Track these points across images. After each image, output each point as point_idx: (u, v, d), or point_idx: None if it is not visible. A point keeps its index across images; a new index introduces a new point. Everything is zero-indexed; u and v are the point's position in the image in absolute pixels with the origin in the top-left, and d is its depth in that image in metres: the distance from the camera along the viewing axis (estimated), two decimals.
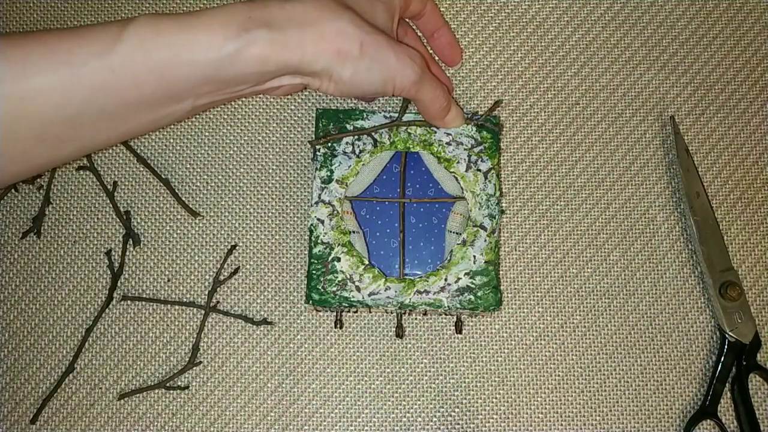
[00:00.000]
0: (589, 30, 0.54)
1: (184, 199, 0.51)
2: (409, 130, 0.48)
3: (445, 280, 0.46)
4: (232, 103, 0.53)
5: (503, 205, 0.52)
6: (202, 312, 0.50)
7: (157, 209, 0.52)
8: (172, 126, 0.53)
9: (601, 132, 0.53)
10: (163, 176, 0.52)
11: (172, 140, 0.53)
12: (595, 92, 0.53)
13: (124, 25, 0.36)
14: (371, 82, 0.40)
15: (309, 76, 0.40)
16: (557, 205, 0.52)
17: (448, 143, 0.48)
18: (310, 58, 0.38)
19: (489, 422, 0.49)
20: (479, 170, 0.47)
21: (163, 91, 0.37)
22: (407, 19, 0.50)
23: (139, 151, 0.52)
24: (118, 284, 0.51)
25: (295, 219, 0.51)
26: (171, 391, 0.49)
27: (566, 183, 0.52)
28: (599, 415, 0.49)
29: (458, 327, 0.49)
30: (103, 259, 0.51)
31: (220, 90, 0.38)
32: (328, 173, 0.47)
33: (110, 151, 0.52)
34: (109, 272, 0.51)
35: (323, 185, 0.47)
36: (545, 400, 0.49)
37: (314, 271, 0.46)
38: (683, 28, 0.54)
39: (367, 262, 0.46)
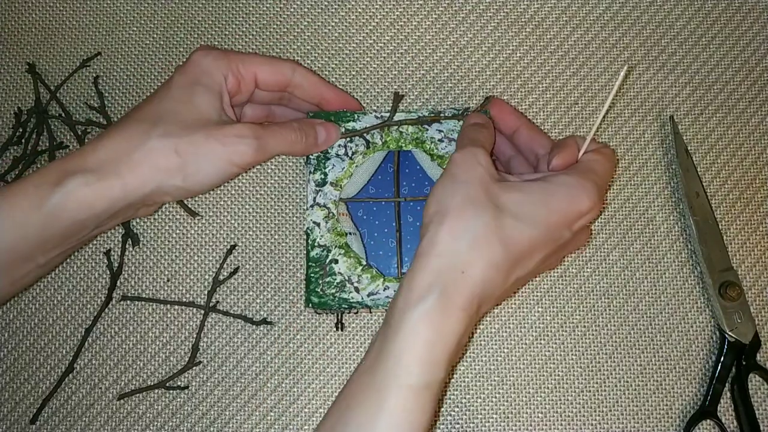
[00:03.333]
0: (588, 29, 0.54)
1: (183, 199, 0.52)
2: (400, 129, 0.48)
3: None
4: None
5: None
6: (202, 312, 0.50)
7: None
8: None
9: (600, 132, 0.53)
10: None
11: None
12: (594, 91, 0.53)
13: None
14: (209, 175, 0.42)
15: (149, 203, 0.42)
16: None
17: (440, 140, 0.48)
18: (134, 187, 0.40)
19: (488, 422, 0.49)
20: None
21: (8, 256, 0.39)
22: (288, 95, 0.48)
23: None
24: (118, 284, 0.51)
25: (295, 218, 0.51)
26: (171, 391, 0.49)
27: None
28: (599, 415, 0.49)
29: None
30: (103, 259, 0.51)
31: (66, 240, 0.41)
32: (322, 176, 0.47)
33: None
34: (108, 272, 0.51)
35: (318, 188, 0.47)
36: (545, 400, 0.49)
37: (312, 275, 0.46)
38: (682, 27, 0.54)
39: (364, 263, 0.46)
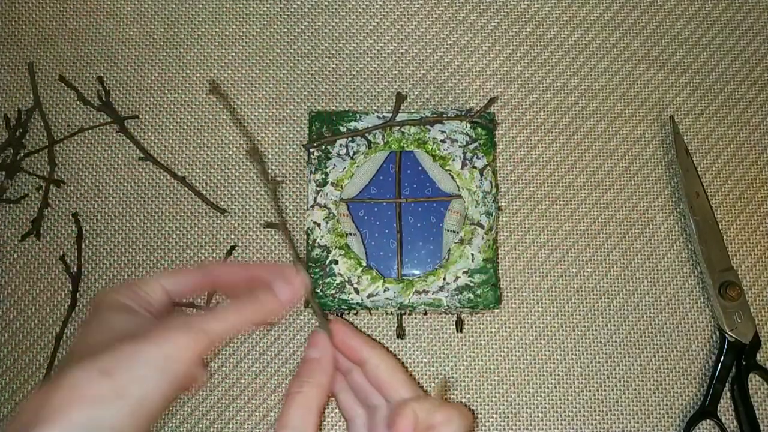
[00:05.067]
0: (588, 29, 0.54)
1: (183, 199, 0.51)
2: (402, 130, 0.48)
3: (444, 279, 0.46)
4: (231, 104, 0.53)
5: (501, 202, 0.52)
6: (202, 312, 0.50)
7: (157, 209, 0.52)
8: (172, 128, 0.53)
9: (600, 131, 0.53)
10: (179, 175, 0.52)
11: (171, 142, 0.53)
12: (594, 91, 0.53)
13: None
14: (152, 384, 0.33)
15: None
16: (556, 204, 0.52)
17: (443, 141, 0.48)
18: None
19: (489, 421, 0.49)
20: (475, 167, 0.47)
21: None
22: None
23: (135, 152, 0.52)
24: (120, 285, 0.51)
25: (294, 219, 0.51)
26: None
27: (566, 182, 0.52)
28: (599, 415, 0.49)
29: (459, 326, 0.49)
30: (102, 260, 0.51)
31: None
32: (323, 176, 0.47)
33: (113, 151, 0.53)
34: (107, 272, 0.51)
35: (318, 188, 0.47)
36: (545, 399, 0.49)
37: (312, 275, 0.46)
38: (682, 27, 0.54)
39: (365, 264, 0.46)
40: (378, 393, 0.38)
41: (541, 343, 0.50)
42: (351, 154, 0.48)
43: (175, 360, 0.34)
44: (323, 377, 0.36)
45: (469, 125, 0.48)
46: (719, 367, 0.48)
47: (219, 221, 0.51)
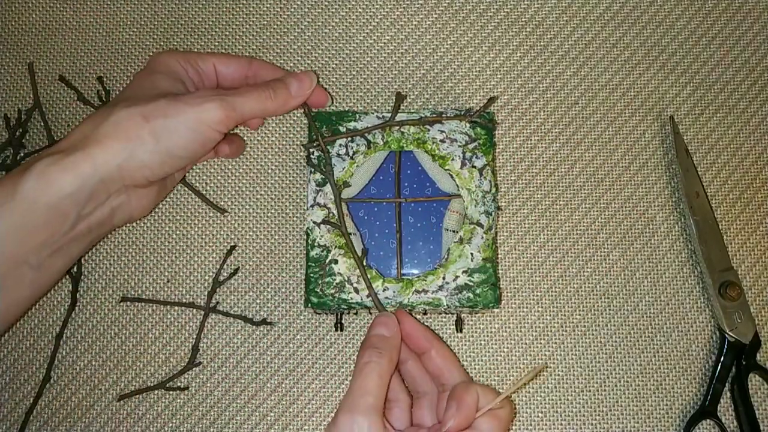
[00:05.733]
0: (588, 29, 0.54)
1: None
2: (402, 130, 0.48)
3: (443, 278, 0.46)
4: None
5: (500, 202, 0.52)
6: (202, 313, 0.50)
7: (157, 209, 0.52)
8: None
9: (600, 131, 0.53)
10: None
11: None
12: (594, 91, 0.53)
13: None
14: (182, 136, 0.41)
15: (129, 180, 0.41)
16: (556, 204, 0.52)
17: (442, 140, 0.48)
18: (104, 159, 0.39)
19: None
20: (474, 167, 0.47)
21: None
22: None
23: None
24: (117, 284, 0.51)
25: (294, 219, 0.51)
26: (171, 392, 0.49)
27: (565, 182, 0.52)
28: (599, 415, 0.49)
29: (459, 326, 0.49)
30: (102, 260, 0.51)
31: (52, 235, 0.40)
32: (323, 176, 0.47)
33: None
34: (107, 272, 0.51)
35: (318, 188, 0.47)
36: (545, 400, 0.49)
37: (312, 274, 0.46)
38: (682, 27, 0.54)
39: (364, 264, 0.46)
40: (430, 381, 0.42)
41: (541, 343, 0.50)
42: (350, 153, 0.48)
43: (203, 122, 0.41)
44: (393, 352, 0.40)
45: (468, 125, 0.48)
46: (719, 367, 0.48)
47: (219, 221, 0.51)
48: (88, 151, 0.39)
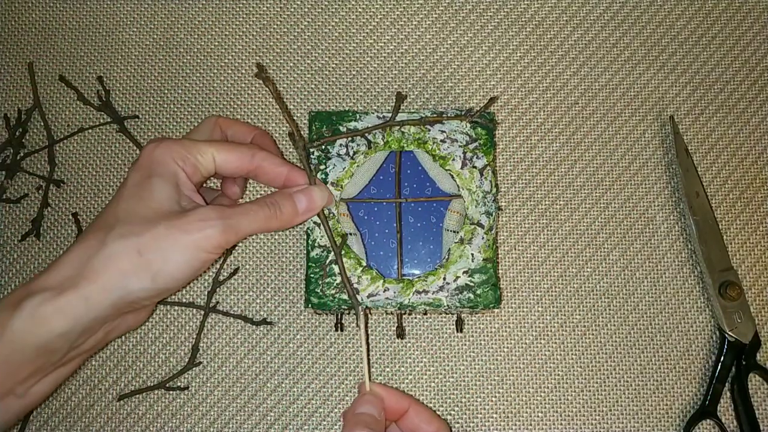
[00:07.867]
0: (588, 29, 0.54)
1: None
2: (402, 130, 0.48)
3: (444, 279, 0.46)
4: (230, 104, 0.53)
5: (501, 202, 0.52)
6: (202, 312, 0.50)
7: None
8: (172, 128, 0.53)
9: (600, 131, 0.53)
10: None
11: None
12: (594, 91, 0.53)
13: None
14: (179, 267, 0.39)
15: (126, 310, 0.40)
16: (556, 204, 0.52)
17: (443, 141, 0.48)
18: (97, 299, 0.37)
19: (488, 421, 0.49)
20: (474, 167, 0.47)
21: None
22: None
23: (135, 152, 0.52)
24: None
25: None
26: (171, 392, 0.49)
27: (566, 182, 0.52)
28: (599, 415, 0.49)
29: (459, 326, 0.49)
30: None
31: (41, 368, 0.39)
32: (323, 176, 0.47)
33: (113, 151, 0.53)
34: None
35: None
36: (545, 399, 0.49)
37: (312, 275, 0.46)
38: (682, 27, 0.54)
39: (364, 264, 0.46)
40: None
41: (541, 343, 0.50)
42: (351, 153, 0.48)
43: (202, 249, 0.39)
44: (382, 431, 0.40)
45: (469, 125, 0.48)
46: (719, 367, 0.48)
47: None
48: (81, 291, 0.37)
